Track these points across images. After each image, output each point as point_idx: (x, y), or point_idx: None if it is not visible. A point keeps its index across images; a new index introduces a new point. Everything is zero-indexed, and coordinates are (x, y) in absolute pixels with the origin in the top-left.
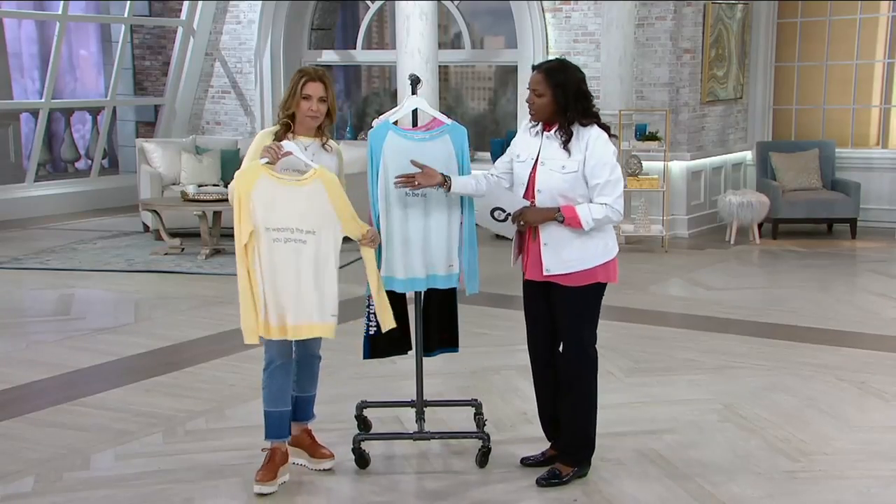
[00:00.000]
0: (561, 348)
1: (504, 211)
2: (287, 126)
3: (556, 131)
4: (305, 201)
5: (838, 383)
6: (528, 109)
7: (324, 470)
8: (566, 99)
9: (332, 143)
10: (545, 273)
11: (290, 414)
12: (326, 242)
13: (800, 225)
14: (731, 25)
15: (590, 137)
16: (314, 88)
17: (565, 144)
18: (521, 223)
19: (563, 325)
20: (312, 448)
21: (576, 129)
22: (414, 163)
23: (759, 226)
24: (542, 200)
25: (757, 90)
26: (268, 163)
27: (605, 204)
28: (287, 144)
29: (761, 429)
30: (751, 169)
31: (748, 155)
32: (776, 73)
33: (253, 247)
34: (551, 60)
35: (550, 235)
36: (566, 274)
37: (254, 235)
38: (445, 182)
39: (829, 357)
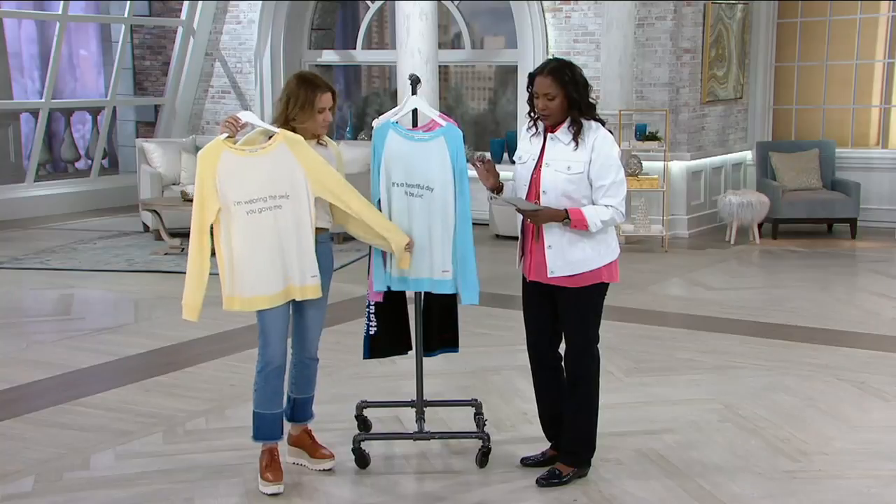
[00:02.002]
0: (564, 349)
1: (514, 206)
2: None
3: (567, 127)
4: (273, 167)
5: (838, 383)
6: (535, 118)
7: (324, 470)
8: (578, 92)
9: (326, 138)
10: (550, 275)
11: (282, 416)
12: (301, 204)
13: (800, 225)
14: (731, 25)
15: (596, 138)
16: (326, 100)
17: (576, 136)
18: (529, 220)
19: (567, 326)
20: (313, 448)
21: (583, 120)
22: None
23: (760, 226)
24: (546, 201)
25: (757, 90)
26: (228, 137)
27: (611, 206)
28: (244, 115)
29: (761, 429)
30: (751, 169)
31: (748, 155)
32: (776, 73)
33: (219, 225)
34: (549, 62)
35: (554, 238)
36: (571, 275)
37: (221, 213)
38: (497, 188)
39: (829, 357)
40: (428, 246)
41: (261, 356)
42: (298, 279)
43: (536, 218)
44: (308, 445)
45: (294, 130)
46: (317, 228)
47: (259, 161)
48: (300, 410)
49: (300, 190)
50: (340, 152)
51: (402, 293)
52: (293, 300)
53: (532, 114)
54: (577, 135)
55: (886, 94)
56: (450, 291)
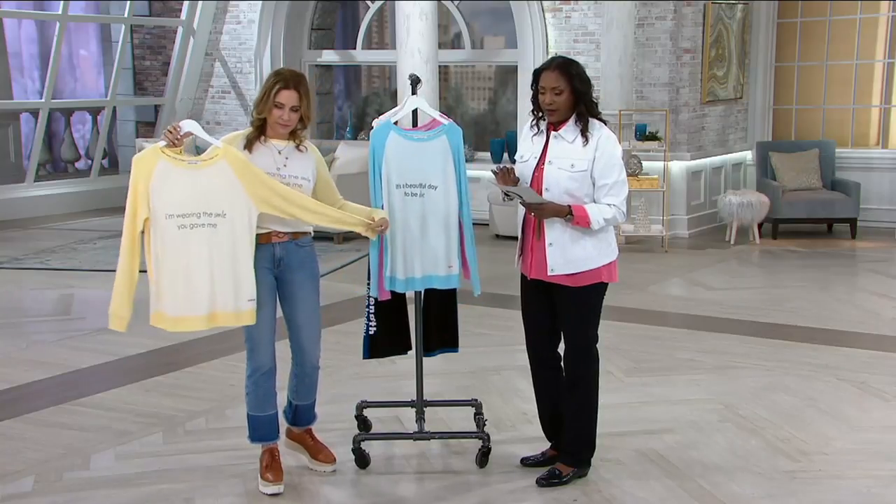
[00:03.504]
0: (563, 349)
1: (520, 196)
2: (260, 129)
3: (574, 122)
4: (210, 183)
5: (838, 383)
6: (539, 116)
7: (327, 472)
8: (584, 87)
9: (307, 144)
10: (550, 273)
11: (276, 416)
12: (241, 224)
13: (800, 225)
14: (731, 25)
15: (600, 137)
16: (287, 97)
17: (584, 131)
18: (532, 213)
19: (567, 325)
20: (315, 450)
21: (588, 119)
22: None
23: (759, 226)
24: (548, 199)
25: (757, 90)
26: (167, 146)
27: (613, 205)
28: (186, 124)
29: (761, 429)
30: (751, 169)
31: (748, 155)
32: (776, 73)
33: (149, 236)
34: (554, 58)
35: (556, 235)
36: (571, 274)
37: (149, 224)
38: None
39: (829, 357)
40: (434, 243)
41: (249, 362)
42: (232, 305)
43: (541, 212)
44: (310, 447)
45: (262, 126)
46: (298, 233)
47: (196, 174)
48: (302, 416)
49: (240, 210)
50: (321, 158)
51: (402, 293)
52: (277, 304)
53: (535, 112)
54: (584, 130)
55: (886, 94)
56: (457, 286)
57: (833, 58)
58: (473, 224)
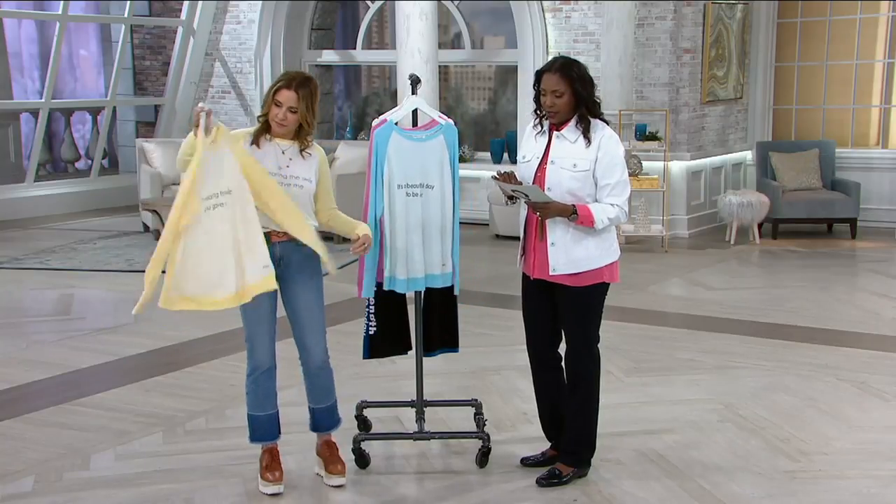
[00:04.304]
0: (564, 349)
1: (526, 195)
2: (265, 126)
3: (575, 124)
4: (220, 162)
5: (838, 383)
6: (541, 116)
7: (332, 486)
8: (585, 90)
9: (312, 149)
10: (551, 273)
11: (276, 416)
12: (242, 197)
13: (800, 225)
14: (731, 25)
15: (602, 137)
16: (286, 97)
17: (586, 132)
18: (537, 213)
19: (568, 325)
20: (328, 461)
21: (590, 118)
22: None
23: (759, 226)
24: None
25: (757, 90)
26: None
27: (617, 205)
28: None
29: (761, 429)
30: (751, 169)
31: (748, 155)
32: (776, 73)
33: (186, 223)
34: (556, 59)
35: (558, 235)
36: (573, 274)
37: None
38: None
39: (829, 357)
40: (434, 242)
41: (248, 361)
42: (253, 276)
43: (546, 211)
44: (326, 458)
45: (268, 125)
46: None
47: (212, 155)
48: (319, 421)
49: (238, 181)
50: (325, 160)
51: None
52: (277, 302)
53: (538, 112)
54: (586, 132)
55: (886, 94)
56: (450, 283)
57: (833, 58)
58: (473, 224)
